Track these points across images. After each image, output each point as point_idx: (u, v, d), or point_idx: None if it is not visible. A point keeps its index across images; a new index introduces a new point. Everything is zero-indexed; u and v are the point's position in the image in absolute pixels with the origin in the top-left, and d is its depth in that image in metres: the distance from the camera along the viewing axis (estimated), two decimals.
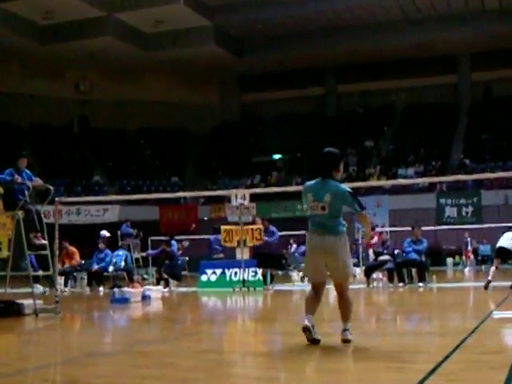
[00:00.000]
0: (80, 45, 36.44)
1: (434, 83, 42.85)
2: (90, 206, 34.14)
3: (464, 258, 31.37)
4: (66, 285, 19.29)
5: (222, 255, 20.15)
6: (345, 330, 6.76)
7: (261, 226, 17.73)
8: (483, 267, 30.93)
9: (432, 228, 30.25)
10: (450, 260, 32.15)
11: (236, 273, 18.11)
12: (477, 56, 41.50)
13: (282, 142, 41.34)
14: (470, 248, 31.14)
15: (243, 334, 8.86)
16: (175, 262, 18.92)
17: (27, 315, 10.72)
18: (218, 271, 18.36)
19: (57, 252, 11.70)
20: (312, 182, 6.89)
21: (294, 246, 27.06)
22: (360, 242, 26.68)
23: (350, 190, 6.74)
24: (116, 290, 14.50)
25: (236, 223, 18.36)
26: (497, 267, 15.05)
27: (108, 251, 19.66)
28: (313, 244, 6.75)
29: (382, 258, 17.82)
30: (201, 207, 37.34)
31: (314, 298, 6.88)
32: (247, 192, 19.21)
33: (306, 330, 6.58)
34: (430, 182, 33.22)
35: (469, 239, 30.88)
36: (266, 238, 17.65)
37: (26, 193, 10.94)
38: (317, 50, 39.94)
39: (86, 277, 20.68)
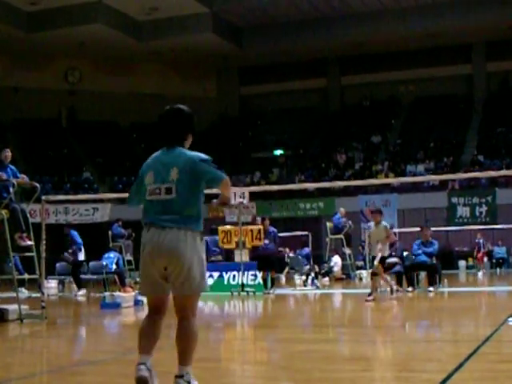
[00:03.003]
0: (68, 33, 36.37)
1: (446, 74, 42.76)
2: (79, 205, 34.08)
3: (477, 260, 31.34)
4: None
5: (220, 257, 20.13)
6: (179, 377, 4.87)
7: (261, 227, 17.69)
8: (498, 270, 30.96)
9: (443, 229, 30.24)
10: (462, 263, 32.14)
11: (234, 276, 18.09)
12: (492, 45, 41.38)
13: (283, 137, 41.33)
14: (482, 250, 31.10)
15: (242, 342, 8.85)
16: None
17: (11, 321, 10.70)
18: (216, 274, 18.32)
19: (43, 254, 11.68)
20: (153, 155, 5.13)
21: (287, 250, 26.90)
22: (366, 242, 26.67)
23: (204, 156, 4.98)
24: (106, 294, 14.48)
25: (235, 223, 18.33)
26: None
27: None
28: (146, 242, 4.89)
29: (389, 260, 17.77)
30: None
31: (151, 326, 4.98)
32: (247, 190, 19.19)
33: (140, 382, 4.78)
34: (441, 180, 33.18)
35: (481, 240, 30.85)
36: (266, 242, 17.62)
37: (11, 190, 10.91)
38: (320, 39, 39.88)
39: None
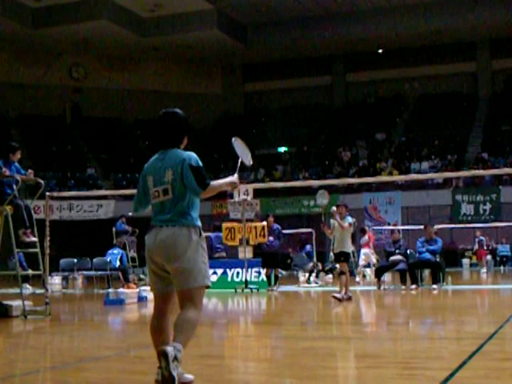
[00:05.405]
0: (73, 29, 36.41)
1: (451, 71, 42.74)
2: (83, 201, 34.13)
3: (477, 258, 31.22)
4: None
5: (223, 254, 20.14)
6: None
7: (264, 223, 17.69)
8: (502, 268, 30.91)
9: (447, 226, 30.20)
10: (466, 261, 32.09)
11: (238, 273, 18.11)
12: (497, 42, 41.35)
13: (287, 134, 41.31)
14: (485, 248, 30.98)
15: (245, 338, 8.85)
16: None
17: (15, 317, 10.72)
18: (219, 271, 18.35)
19: (47, 250, 11.69)
20: (150, 160, 5.30)
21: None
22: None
23: (195, 161, 5.11)
24: (110, 290, 14.49)
25: (238, 220, 18.34)
26: None
27: None
28: (147, 241, 5.11)
29: (393, 258, 17.78)
30: (201, 203, 37.25)
31: (158, 328, 5.08)
32: (250, 187, 19.18)
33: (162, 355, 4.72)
34: (445, 178, 33.14)
35: (482, 238, 30.74)
36: (270, 239, 17.62)
37: (15, 187, 10.92)
38: (324, 36, 39.85)
39: (79, 277, 20.69)
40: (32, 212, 11.28)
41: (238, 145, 5.93)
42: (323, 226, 14.37)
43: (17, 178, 10.95)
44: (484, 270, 29.00)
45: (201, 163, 5.12)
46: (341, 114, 43.70)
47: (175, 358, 4.69)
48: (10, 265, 13.00)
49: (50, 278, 16.46)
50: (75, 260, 20.20)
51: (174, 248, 4.95)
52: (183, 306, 4.98)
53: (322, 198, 14.40)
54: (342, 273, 13.75)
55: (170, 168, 5.08)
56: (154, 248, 5.02)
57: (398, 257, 17.68)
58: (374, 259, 22.79)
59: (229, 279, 18.18)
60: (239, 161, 5.80)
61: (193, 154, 5.15)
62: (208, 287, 5.09)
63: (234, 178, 5.47)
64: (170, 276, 5.03)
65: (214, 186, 5.17)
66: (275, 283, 17.73)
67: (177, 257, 4.94)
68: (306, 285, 19.78)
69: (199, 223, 5.13)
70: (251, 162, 5.97)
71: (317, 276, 20.78)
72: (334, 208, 14.02)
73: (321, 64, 44.85)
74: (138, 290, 14.84)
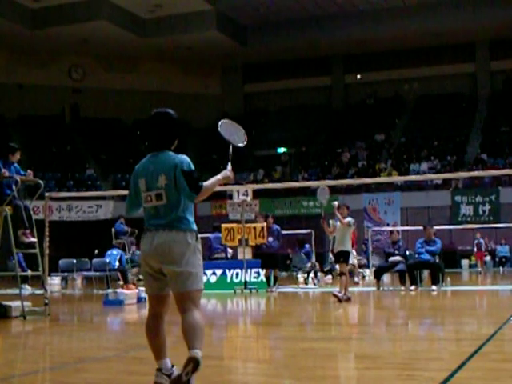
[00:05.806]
0: (72, 30, 36.41)
1: (450, 72, 42.75)
2: (82, 202, 34.15)
3: (475, 259, 31.20)
4: None
5: (223, 255, 20.15)
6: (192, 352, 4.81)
7: (264, 224, 17.68)
8: (501, 269, 30.93)
9: (446, 227, 30.22)
10: (465, 262, 32.09)
11: (237, 274, 18.10)
12: (496, 43, 41.37)
13: (286, 135, 41.30)
14: (483, 249, 30.98)
15: (245, 339, 8.85)
16: None
17: (14, 318, 10.72)
18: (219, 272, 18.34)
19: (46, 251, 11.69)
20: (141, 162, 5.26)
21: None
22: (369, 241, 26.66)
23: (188, 166, 5.01)
24: (109, 291, 14.48)
25: (238, 221, 18.33)
26: None
27: None
28: (143, 245, 5.04)
29: (393, 258, 17.79)
30: (200, 204, 37.25)
31: (153, 331, 5.02)
32: (250, 188, 19.17)
33: None
34: (444, 179, 33.15)
35: (481, 240, 30.74)
36: (270, 239, 17.62)
37: (14, 187, 10.91)
38: (324, 37, 39.87)
39: (79, 278, 20.67)
40: (31, 212, 11.27)
41: (226, 128, 5.81)
42: (322, 221, 14.46)
43: (16, 178, 10.95)
44: (480, 270, 29.03)
45: (193, 166, 5.03)
46: (340, 115, 43.70)
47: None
48: (9, 265, 12.99)
49: (49, 278, 16.45)
50: (74, 260, 20.21)
51: (172, 252, 4.89)
52: (185, 310, 4.89)
53: (323, 198, 14.43)
54: (341, 274, 13.80)
55: (162, 173, 5.00)
56: (151, 252, 4.94)
57: (397, 258, 17.69)
58: (354, 260, 22.56)
59: (228, 280, 18.17)
60: (230, 148, 5.68)
61: (185, 158, 5.05)
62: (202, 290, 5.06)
63: (227, 170, 5.47)
64: (165, 278, 4.96)
65: (207, 187, 5.09)
66: (274, 284, 17.73)
67: (174, 260, 4.88)
68: (305, 285, 19.78)
69: (195, 227, 5.07)
70: (245, 142, 5.82)
71: (315, 276, 20.78)
72: (336, 203, 14.10)
73: (320, 65, 44.86)
74: (137, 290, 14.83)
